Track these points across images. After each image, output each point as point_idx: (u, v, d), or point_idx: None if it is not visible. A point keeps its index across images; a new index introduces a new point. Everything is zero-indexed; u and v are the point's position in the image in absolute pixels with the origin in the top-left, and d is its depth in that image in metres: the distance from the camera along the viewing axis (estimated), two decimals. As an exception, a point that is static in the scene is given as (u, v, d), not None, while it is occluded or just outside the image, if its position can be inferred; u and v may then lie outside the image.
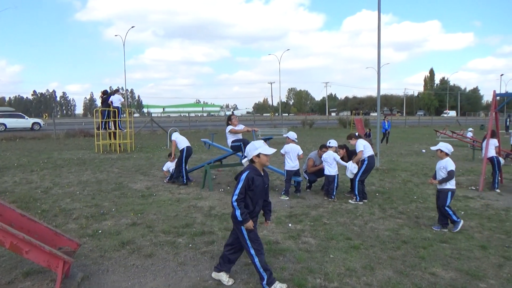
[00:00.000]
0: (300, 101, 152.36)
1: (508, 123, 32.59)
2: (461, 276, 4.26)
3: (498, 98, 9.82)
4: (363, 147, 7.62)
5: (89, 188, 8.63)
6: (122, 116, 16.82)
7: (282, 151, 7.96)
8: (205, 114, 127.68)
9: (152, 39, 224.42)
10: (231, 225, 5.89)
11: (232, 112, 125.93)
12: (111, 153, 15.65)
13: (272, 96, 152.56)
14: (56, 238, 3.97)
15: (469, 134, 18.65)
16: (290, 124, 39.38)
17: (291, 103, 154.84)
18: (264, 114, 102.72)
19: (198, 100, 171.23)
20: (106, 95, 16.99)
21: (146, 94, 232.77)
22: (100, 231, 5.57)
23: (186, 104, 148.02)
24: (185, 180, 8.98)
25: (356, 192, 7.53)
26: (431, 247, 5.10)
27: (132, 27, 72.60)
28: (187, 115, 42.32)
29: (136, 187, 8.79)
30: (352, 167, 7.51)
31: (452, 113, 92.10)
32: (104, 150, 16.01)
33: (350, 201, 7.51)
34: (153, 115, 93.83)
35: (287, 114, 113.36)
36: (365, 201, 7.56)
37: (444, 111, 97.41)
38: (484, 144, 9.29)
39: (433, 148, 6.25)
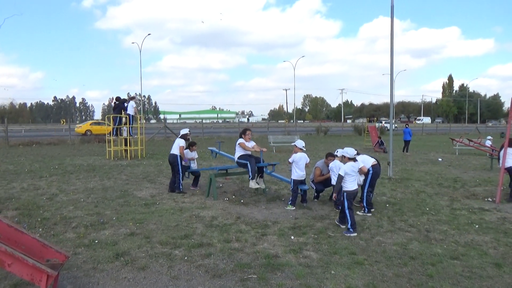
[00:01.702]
0: (315, 108, 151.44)
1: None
2: (471, 297, 3.96)
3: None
4: (360, 161, 7.28)
5: (94, 195, 8.57)
6: (134, 123, 16.92)
7: (290, 159, 7.77)
8: (220, 121, 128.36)
9: (169, 46, 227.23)
10: (230, 237, 5.73)
11: (248, 118, 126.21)
12: (122, 159, 15.69)
13: (287, 102, 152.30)
14: (44, 250, 3.86)
15: (488, 143, 17.98)
16: (304, 131, 39.02)
17: (306, 110, 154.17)
18: (279, 121, 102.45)
19: (214, 107, 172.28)
20: (119, 101, 17.13)
21: (163, 100, 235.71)
22: (96, 241, 5.46)
23: (202, 111, 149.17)
24: (181, 188, 8.90)
25: (365, 204, 7.26)
26: (440, 264, 4.79)
27: (149, 34, 74.18)
28: (201, 121, 42.60)
29: (140, 195, 8.69)
30: (359, 179, 7.21)
31: (427, 120, 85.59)
32: (115, 156, 16.07)
33: (358, 212, 7.23)
34: (169, 121, 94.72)
35: (302, 121, 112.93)
36: (372, 210, 7.30)
37: (418, 118, 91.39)
38: (502, 153, 8.87)
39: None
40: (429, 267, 4.71)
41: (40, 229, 6.03)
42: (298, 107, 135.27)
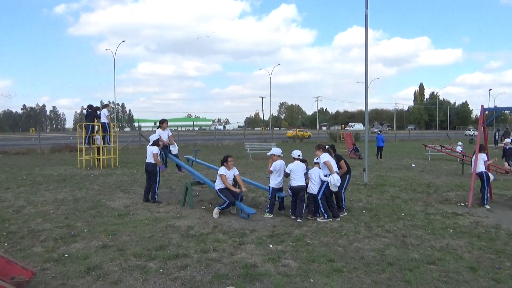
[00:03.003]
0: (291, 115, 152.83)
1: (497, 137, 32.81)
2: (449, 302, 3.98)
3: (487, 112, 9.70)
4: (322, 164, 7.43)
5: (64, 206, 8.23)
6: (109, 131, 16.53)
7: (271, 168, 7.68)
8: (196, 128, 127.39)
9: (144, 53, 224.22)
10: (207, 247, 5.59)
11: (224, 125, 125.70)
12: (94, 168, 15.23)
13: (263, 110, 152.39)
14: (8, 266, 3.62)
15: (459, 149, 18.55)
16: (281, 139, 39.19)
17: (282, 117, 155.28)
18: (255, 128, 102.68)
19: (190, 114, 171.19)
20: (91, 109, 16.69)
21: (138, 108, 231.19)
22: (66, 255, 5.20)
23: (178, 119, 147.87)
24: (156, 197, 8.69)
25: (322, 210, 7.22)
26: (417, 269, 4.82)
27: (123, 41, 72.22)
28: (177, 129, 42.03)
29: (114, 205, 8.41)
30: (334, 180, 7.22)
31: (358, 126, 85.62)
32: (87, 165, 15.59)
33: (318, 219, 7.19)
34: (144, 129, 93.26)
35: (278, 128, 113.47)
36: (338, 219, 7.28)
37: (350, 124, 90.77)
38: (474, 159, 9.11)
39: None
40: (407, 272, 4.72)
41: (6, 244, 5.71)
42: (274, 115, 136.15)
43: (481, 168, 8.82)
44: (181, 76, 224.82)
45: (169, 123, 10.18)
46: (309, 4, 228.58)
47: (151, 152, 8.69)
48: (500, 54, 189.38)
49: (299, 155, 7.57)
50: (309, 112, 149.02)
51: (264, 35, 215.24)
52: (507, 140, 15.12)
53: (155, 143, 8.89)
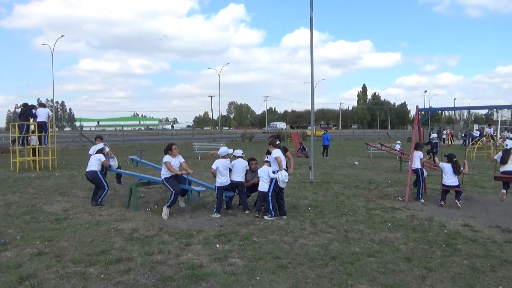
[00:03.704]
0: (240, 115, 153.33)
1: (431, 136, 35.23)
2: (386, 292, 4.20)
3: (423, 112, 10.36)
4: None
5: (-6, 212, 7.62)
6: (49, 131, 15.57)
7: (230, 166, 7.82)
8: (143, 128, 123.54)
9: (86, 49, 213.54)
10: (152, 249, 5.45)
11: (172, 125, 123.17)
12: (29, 171, 14.25)
13: (212, 109, 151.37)
14: None
15: (397, 147, 19.66)
16: (230, 138, 39.19)
17: (231, 116, 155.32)
18: (204, 128, 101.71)
19: (136, 113, 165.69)
20: (26, 107, 15.60)
21: (79, 106, 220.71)
22: (-5, 265, 4.82)
23: (123, 118, 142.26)
24: (100, 200, 8.35)
25: (271, 208, 7.30)
26: (358, 262, 5.03)
27: (62, 36, 68.84)
28: (122, 128, 40.35)
29: (51, 209, 7.93)
30: (283, 176, 7.34)
31: (281, 125, 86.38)
32: (21, 168, 14.54)
33: (265, 217, 7.29)
34: (86, 128, 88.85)
35: (227, 128, 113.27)
36: (285, 217, 7.39)
37: (270, 123, 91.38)
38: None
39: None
40: (348, 265, 4.91)
41: None
42: (223, 114, 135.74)
43: (416, 164, 9.41)
44: (126, 74, 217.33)
45: (114, 123, 9.82)
46: (258, 4, 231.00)
47: (99, 160, 8.39)
48: (435, 58, 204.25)
49: (242, 154, 7.95)
50: (258, 111, 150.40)
51: (213, 34, 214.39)
52: (434, 135, 16.38)
53: (100, 151, 8.69)
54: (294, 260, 5.10)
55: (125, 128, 40.79)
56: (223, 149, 7.87)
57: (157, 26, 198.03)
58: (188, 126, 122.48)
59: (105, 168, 8.67)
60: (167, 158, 7.54)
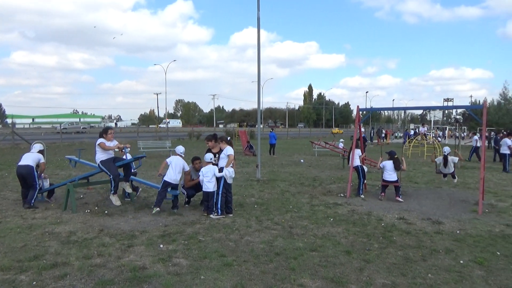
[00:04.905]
0: (188, 113, 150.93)
1: (372, 134, 37.09)
2: (327, 284, 4.35)
3: (364, 112, 10.86)
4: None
5: None
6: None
7: (168, 162, 7.63)
8: (86, 126, 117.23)
9: (19, 41, 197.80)
10: (91, 252, 5.20)
11: (116, 123, 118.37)
12: (-48, 172, 12.99)
13: (158, 107, 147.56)
14: None
15: (341, 145, 20.45)
16: (176, 136, 38.47)
17: (178, 114, 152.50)
18: (150, 126, 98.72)
19: (76, 110, 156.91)
20: None
21: (12, 102, 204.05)
22: None
23: (61, 115, 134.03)
24: (33, 202, 7.77)
25: (219, 206, 7.28)
26: (301, 257, 5.17)
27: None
28: (59, 126, 37.82)
29: (-23, 213, 7.28)
30: (230, 173, 7.33)
31: (176, 123, 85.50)
32: None
33: (211, 215, 7.26)
34: (19, 126, 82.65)
35: (167, 121, 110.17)
36: (231, 215, 7.38)
37: (164, 120, 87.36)
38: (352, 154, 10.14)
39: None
40: (292, 261, 5.03)
41: None
42: (170, 112, 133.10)
43: (356, 162, 9.86)
44: (65, 69, 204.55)
45: (50, 120, 9.22)
46: (206, 2, 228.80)
47: (38, 160, 7.93)
48: (375, 60, 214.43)
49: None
50: (206, 110, 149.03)
51: (160, 30, 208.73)
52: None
53: (41, 152, 8.26)
54: (239, 257, 5.12)
55: (61, 126, 37.92)
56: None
57: (100, 19, 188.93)
58: (133, 123, 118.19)
59: (40, 171, 8.05)
60: (101, 139, 7.39)
